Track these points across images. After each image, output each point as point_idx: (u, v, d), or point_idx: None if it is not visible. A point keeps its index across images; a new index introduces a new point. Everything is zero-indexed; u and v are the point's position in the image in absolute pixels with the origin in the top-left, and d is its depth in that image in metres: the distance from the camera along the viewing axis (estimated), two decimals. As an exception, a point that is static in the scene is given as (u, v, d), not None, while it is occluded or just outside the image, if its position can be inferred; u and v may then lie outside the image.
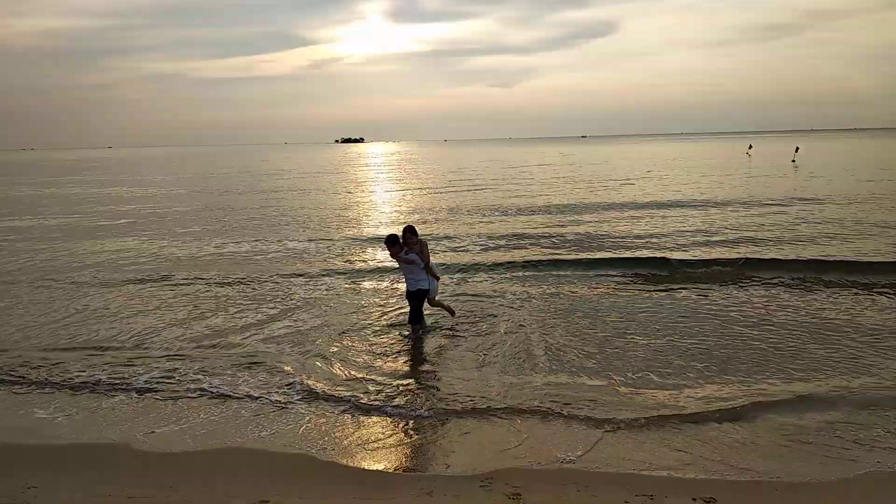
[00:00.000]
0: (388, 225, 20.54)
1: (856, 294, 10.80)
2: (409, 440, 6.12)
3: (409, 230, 9.17)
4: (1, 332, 9.84)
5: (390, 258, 9.37)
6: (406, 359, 8.32)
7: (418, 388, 7.34)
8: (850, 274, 12.17)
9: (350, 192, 34.25)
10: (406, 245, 9.05)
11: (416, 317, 9.33)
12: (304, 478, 5.32)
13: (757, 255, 14.09)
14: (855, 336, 8.65)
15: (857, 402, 6.64)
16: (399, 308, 10.39)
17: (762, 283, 11.70)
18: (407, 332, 9.24)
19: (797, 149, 54.61)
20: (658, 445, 5.82)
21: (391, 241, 9.09)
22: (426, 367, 8.05)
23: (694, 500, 4.77)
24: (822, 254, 14.13)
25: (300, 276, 13.40)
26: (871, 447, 5.74)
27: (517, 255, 15.01)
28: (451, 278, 12.66)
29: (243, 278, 13.27)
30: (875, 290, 11.04)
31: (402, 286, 10.21)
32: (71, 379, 7.80)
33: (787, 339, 8.60)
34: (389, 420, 6.65)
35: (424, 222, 20.66)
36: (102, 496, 5.02)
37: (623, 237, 17.16)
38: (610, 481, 5.14)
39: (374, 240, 17.34)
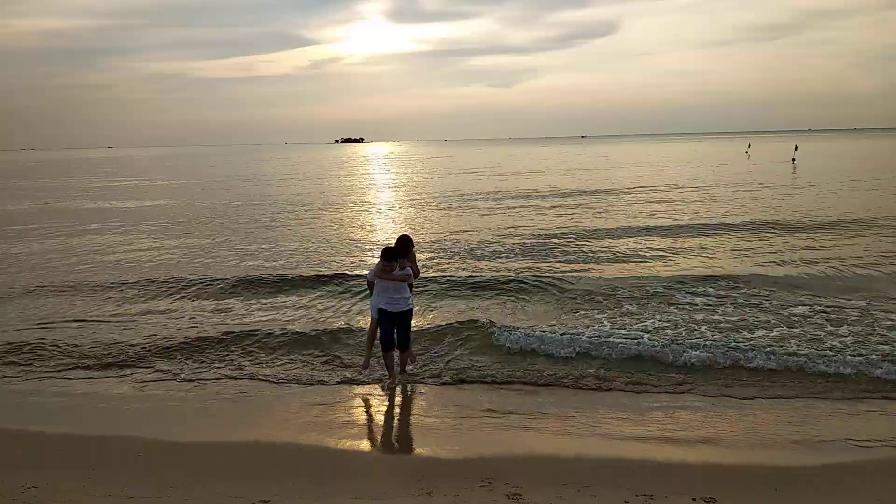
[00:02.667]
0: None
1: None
2: (409, 441, 6.13)
3: (409, 241, 7.80)
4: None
5: (377, 277, 7.54)
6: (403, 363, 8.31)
7: (417, 390, 7.34)
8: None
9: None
10: (403, 258, 7.56)
11: (403, 340, 7.65)
12: (304, 477, 5.32)
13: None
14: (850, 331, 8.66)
15: (856, 397, 6.68)
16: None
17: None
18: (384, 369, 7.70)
19: (796, 148, 54.63)
20: (658, 445, 5.83)
21: (393, 256, 7.41)
22: (424, 371, 8.04)
23: (694, 500, 4.77)
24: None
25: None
26: (872, 439, 5.79)
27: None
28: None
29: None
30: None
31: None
32: (69, 379, 7.81)
33: (782, 336, 8.60)
34: (390, 422, 6.65)
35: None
36: (102, 496, 5.02)
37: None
38: (610, 481, 5.14)
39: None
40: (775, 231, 17.36)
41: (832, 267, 12.73)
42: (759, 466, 5.42)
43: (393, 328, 7.57)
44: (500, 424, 6.36)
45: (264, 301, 11.44)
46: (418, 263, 8.06)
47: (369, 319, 8.07)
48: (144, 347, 8.95)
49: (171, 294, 12.09)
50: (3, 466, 5.63)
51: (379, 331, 7.65)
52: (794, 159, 48.90)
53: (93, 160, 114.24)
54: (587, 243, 16.08)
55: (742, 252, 14.66)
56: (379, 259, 7.54)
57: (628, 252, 14.88)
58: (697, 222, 19.00)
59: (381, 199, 31.41)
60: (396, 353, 7.71)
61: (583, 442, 5.95)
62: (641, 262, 13.88)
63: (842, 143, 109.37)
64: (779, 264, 13.17)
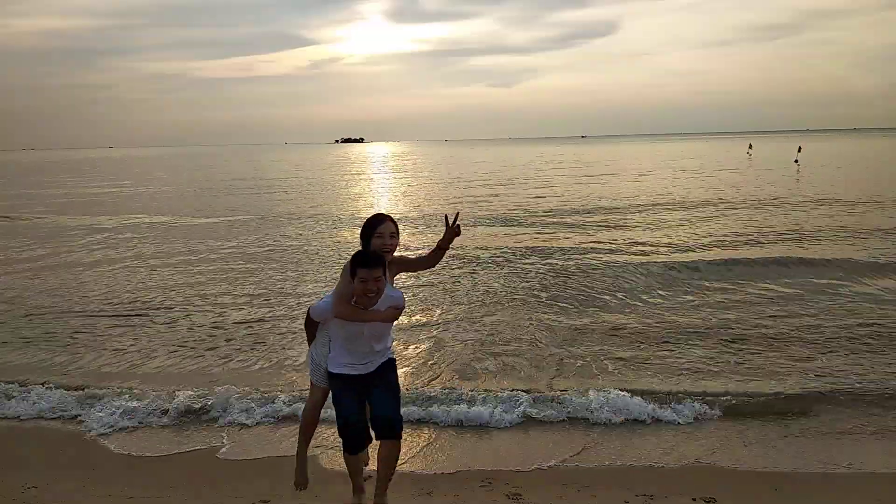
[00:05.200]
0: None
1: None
2: (407, 440, 6.11)
3: (386, 222, 4.22)
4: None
5: (342, 316, 4.04)
6: (402, 358, 8.31)
7: (417, 388, 7.33)
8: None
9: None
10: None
11: (391, 421, 4.15)
12: (304, 478, 5.32)
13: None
14: (851, 331, 8.64)
15: (861, 397, 6.66)
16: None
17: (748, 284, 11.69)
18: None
19: (799, 149, 54.78)
20: (657, 445, 5.82)
21: (378, 262, 3.97)
22: (422, 363, 8.04)
23: (694, 500, 4.77)
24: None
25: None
26: (877, 445, 5.76)
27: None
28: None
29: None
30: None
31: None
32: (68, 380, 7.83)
33: (784, 335, 8.60)
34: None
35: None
36: (102, 496, 5.03)
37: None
38: (610, 481, 5.15)
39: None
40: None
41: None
42: (759, 466, 5.41)
43: (363, 404, 4.25)
44: (500, 422, 6.35)
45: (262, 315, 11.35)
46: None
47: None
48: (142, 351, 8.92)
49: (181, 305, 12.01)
50: (3, 466, 5.64)
51: (336, 412, 4.22)
52: (797, 161, 48.98)
53: (82, 161, 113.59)
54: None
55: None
56: (347, 274, 4.00)
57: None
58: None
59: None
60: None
61: (583, 441, 5.94)
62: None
63: (842, 143, 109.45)
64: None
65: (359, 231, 4.26)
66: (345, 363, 4.18)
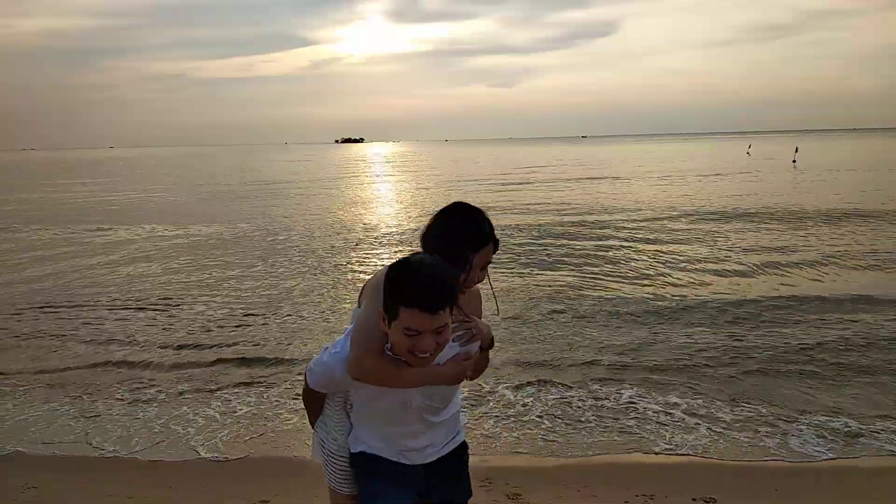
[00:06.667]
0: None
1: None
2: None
3: (485, 236, 2.36)
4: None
5: (384, 376, 2.21)
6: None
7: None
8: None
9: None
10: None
11: None
12: (304, 478, 5.31)
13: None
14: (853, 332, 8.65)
15: (859, 395, 6.65)
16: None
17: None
18: None
19: (797, 149, 54.98)
20: (657, 445, 5.82)
21: (446, 301, 2.11)
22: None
23: (694, 500, 4.78)
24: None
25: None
26: (876, 437, 5.77)
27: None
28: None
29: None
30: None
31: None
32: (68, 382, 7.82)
33: (785, 335, 8.60)
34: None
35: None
36: (102, 496, 5.03)
37: None
38: (610, 481, 5.14)
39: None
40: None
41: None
42: (760, 466, 5.42)
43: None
44: (500, 422, 6.35)
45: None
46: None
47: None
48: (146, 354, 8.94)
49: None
50: (2, 466, 5.63)
51: None
52: (794, 161, 49.12)
53: (81, 161, 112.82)
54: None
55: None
56: (377, 301, 2.19)
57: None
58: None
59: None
60: None
61: (583, 441, 5.94)
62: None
63: (842, 143, 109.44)
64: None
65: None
66: (384, 441, 2.47)
